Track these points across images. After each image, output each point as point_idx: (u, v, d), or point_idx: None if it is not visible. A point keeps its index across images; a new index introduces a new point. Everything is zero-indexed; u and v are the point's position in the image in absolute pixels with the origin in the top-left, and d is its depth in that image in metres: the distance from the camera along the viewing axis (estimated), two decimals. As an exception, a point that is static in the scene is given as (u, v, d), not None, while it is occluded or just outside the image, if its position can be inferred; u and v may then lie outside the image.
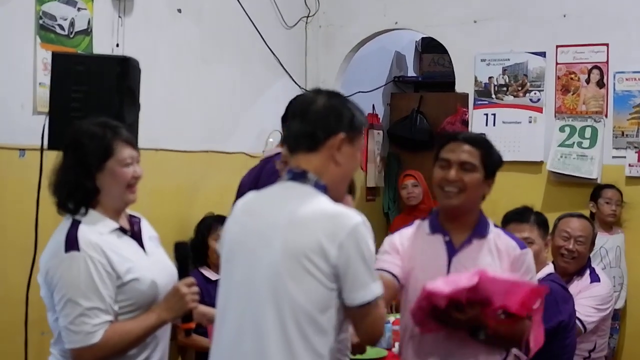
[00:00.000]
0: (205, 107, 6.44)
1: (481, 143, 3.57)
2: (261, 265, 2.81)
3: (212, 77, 6.52)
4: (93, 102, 3.99)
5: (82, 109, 3.95)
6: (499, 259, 3.49)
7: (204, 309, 3.60)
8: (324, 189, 2.87)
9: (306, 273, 2.74)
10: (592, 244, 5.24)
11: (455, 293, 3.24)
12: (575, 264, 5.13)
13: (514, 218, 4.59)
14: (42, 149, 4.20)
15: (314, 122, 2.89)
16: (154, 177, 5.66)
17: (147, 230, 3.42)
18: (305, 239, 2.75)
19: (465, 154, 3.52)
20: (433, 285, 3.28)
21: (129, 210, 3.41)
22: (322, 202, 2.84)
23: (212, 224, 5.72)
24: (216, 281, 3.56)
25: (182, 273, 3.38)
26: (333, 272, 2.75)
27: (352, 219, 2.79)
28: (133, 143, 3.31)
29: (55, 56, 4.20)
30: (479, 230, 3.54)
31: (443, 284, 3.27)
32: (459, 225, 3.54)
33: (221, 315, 2.93)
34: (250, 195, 3.05)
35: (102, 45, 5.28)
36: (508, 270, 3.46)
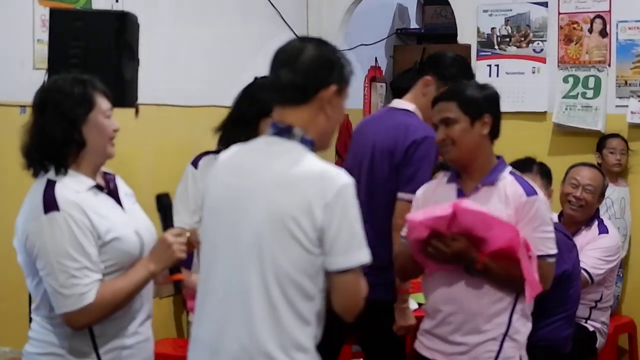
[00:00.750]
0: (206, 61, 6.42)
1: (453, 93, 3.70)
2: (246, 226, 2.70)
3: (213, 31, 6.48)
4: (91, 58, 3.98)
5: (80, 65, 3.94)
6: (507, 206, 3.56)
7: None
8: (310, 144, 2.75)
9: (290, 237, 2.63)
10: (602, 195, 5.24)
11: (433, 222, 3.45)
12: (583, 212, 5.16)
13: (517, 168, 4.58)
14: (41, 106, 4.20)
15: (305, 73, 2.72)
16: (155, 133, 5.66)
17: (123, 188, 3.30)
18: (292, 200, 2.64)
19: (441, 112, 3.67)
20: (412, 216, 3.57)
21: (103, 168, 3.27)
22: (309, 161, 2.71)
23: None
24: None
25: (167, 224, 3.27)
26: (318, 236, 2.64)
27: (341, 179, 2.67)
28: (109, 95, 3.19)
29: (53, 12, 4.19)
30: (489, 177, 3.63)
31: (421, 214, 3.51)
32: (469, 174, 3.67)
33: (206, 274, 2.83)
34: (233, 150, 2.93)
35: (101, 1, 5.25)
36: (514, 217, 3.53)
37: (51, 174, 3.07)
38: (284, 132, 2.75)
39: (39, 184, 3.08)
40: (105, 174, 3.25)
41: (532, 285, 3.45)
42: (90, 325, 3.02)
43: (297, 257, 2.64)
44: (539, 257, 3.54)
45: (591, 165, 5.33)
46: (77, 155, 3.09)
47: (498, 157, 3.70)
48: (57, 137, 3.06)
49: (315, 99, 2.74)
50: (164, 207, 3.28)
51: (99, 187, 3.13)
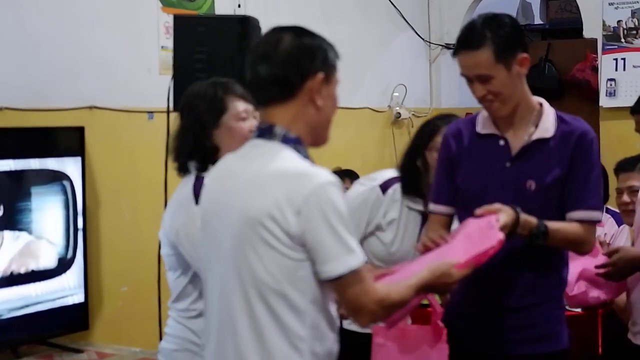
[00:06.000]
0: (329, 63, 6.45)
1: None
2: (224, 236, 2.50)
3: (334, 33, 6.41)
4: (215, 63, 4.04)
5: (205, 70, 4.00)
6: None
7: None
8: (294, 142, 2.49)
9: (263, 243, 2.40)
10: None
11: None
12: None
13: (621, 167, 4.34)
14: (168, 111, 4.28)
15: (285, 64, 2.48)
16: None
17: None
18: (260, 203, 2.40)
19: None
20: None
21: None
22: (284, 160, 2.46)
23: (340, 177, 5.84)
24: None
25: None
26: (296, 242, 2.39)
27: (313, 179, 2.40)
28: (246, 97, 3.21)
29: (177, 19, 4.26)
30: None
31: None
32: None
33: (204, 290, 2.69)
34: (224, 158, 2.72)
35: (223, 6, 5.35)
36: None
37: (195, 173, 3.16)
38: (266, 132, 2.52)
39: (186, 181, 3.17)
40: None
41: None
42: None
43: (275, 264, 2.41)
44: None
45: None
46: (216, 157, 3.13)
47: None
48: (189, 143, 3.16)
49: (302, 91, 2.50)
50: None
51: None
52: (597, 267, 3.54)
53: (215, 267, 2.56)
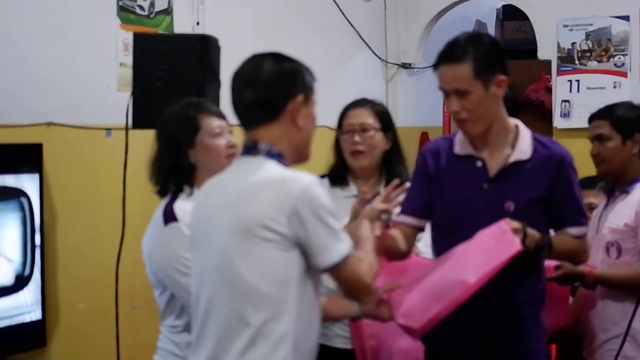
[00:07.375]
0: (287, 82, 6.47)
1: (607, 112, 3.90)
2: (214, 244, 2.65)
3: (293, 51, 6.45)
4: (175, 81, 4.07)
5: (164, 88, 4.04)
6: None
7: None
8: (277, 156, 2.68)
9: (256, 248, 2.56)
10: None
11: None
12: None
13: (582, 185, 4.36)
14: (126, 128, 4.29)
15: (268, 87, 2.68)
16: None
17: None
18: (250, 213, 2.58)
19: (595, 129, 3.95)
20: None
21: None
22: (268, 170, 2.64)
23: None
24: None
25: None
26: (290, 242, 2.58)
27: (298, 183, 2.58)
28: (219, 114, 3.32)
29: (137, 37, 4.28)
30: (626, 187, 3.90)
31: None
32: (618, 186, 3.94)
33: (194, 308, 2.79)
34: (214, 178, 2.87)
35: (182, 24, 5.36)
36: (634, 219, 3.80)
37: (172, 194, 3.23)
38: (251, 149, 2.71)
39: (162, 204, 3.25)
40: None
41: None
42: None
43: (269, 263, 2.58)
44: None
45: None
46: (193, 176, 3.24)
47: None
48: (165, 164, 3.24)
49: (285, 112, 2.69)
50: None
51: None
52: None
53: (202, 275, 2.70)
